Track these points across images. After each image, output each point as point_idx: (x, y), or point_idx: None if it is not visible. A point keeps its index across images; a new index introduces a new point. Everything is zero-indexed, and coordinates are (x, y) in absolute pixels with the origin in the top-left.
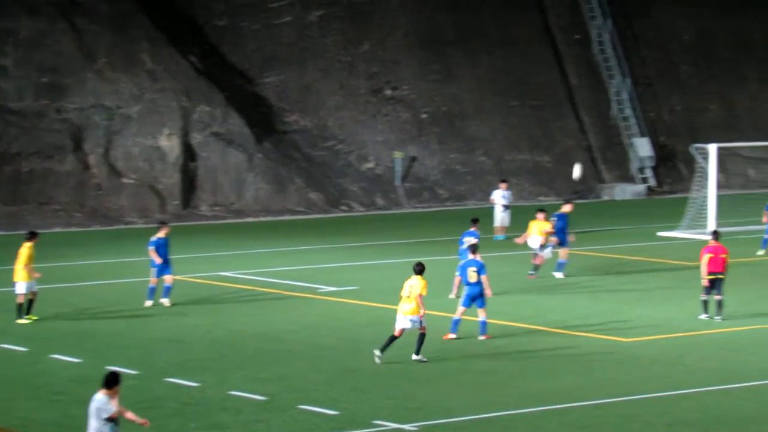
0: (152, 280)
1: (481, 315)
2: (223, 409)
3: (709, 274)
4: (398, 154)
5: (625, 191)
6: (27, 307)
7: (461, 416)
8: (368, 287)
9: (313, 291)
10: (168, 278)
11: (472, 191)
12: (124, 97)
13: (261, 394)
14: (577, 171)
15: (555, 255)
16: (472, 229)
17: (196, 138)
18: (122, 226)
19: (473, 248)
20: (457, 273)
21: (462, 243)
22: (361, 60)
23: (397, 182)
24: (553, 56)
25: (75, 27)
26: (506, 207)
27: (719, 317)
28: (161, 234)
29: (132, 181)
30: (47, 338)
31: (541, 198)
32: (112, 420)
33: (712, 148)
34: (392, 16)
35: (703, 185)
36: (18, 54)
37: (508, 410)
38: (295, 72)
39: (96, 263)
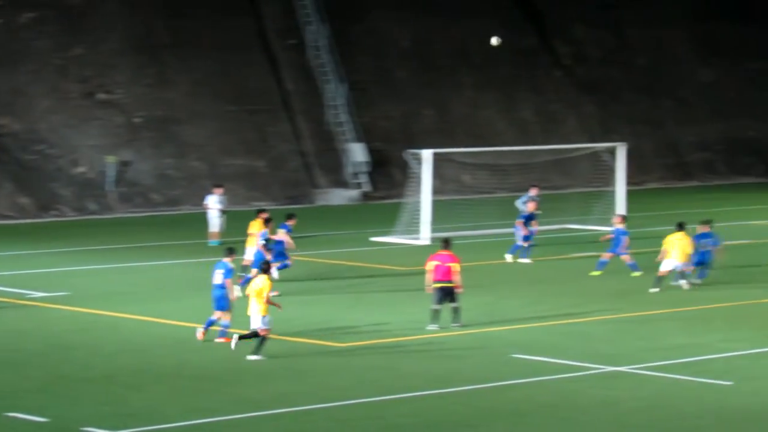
0: None
1: (223, 318)
2: None
3: (435, 282)
4: (110, 159)
5: (339, 196)
6: None
7: (174, 422)
8: (80, 293)
9: (23, 297)
10: None
11: (187, 196)
12: None
13: None
14: (494, 40)
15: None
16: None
17: None
18: None
19: (229, 252)
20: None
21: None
22: (74, 63)
23: (109, 187)
24: (268, 61)
25: None
26: (221, 212)
27: (456, 324)
28: None
29: None
30: None
31: (255, 203)
32: None
33: (427, 154)
34: (107, 19)
35: (418, 191)
36: None
37: (221, 416)
38: (5, 74)
39: None
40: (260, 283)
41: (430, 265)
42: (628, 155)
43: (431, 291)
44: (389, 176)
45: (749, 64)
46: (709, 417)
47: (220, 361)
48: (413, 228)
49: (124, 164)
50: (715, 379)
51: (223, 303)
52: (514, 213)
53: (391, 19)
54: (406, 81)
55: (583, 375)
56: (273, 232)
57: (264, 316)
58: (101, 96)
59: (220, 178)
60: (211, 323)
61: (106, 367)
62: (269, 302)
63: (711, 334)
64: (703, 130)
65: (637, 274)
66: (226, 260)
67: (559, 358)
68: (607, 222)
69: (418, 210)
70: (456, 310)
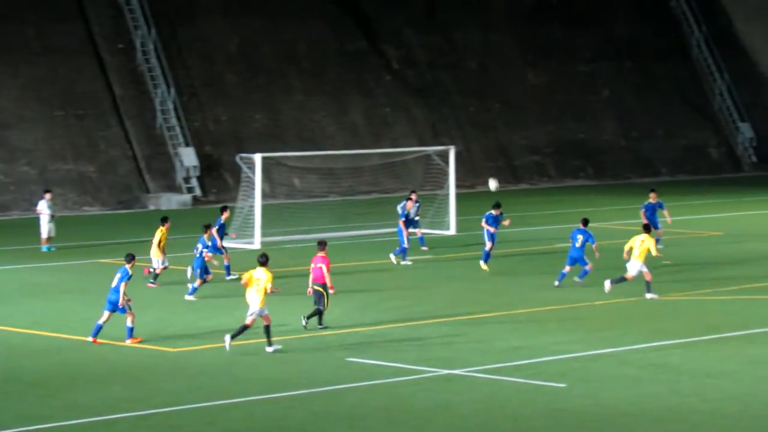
0: None
1: (129, 321)
2: None
3: (314, 284)
4: None
5: (170, 201)
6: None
7: (7, 429)
8: None
9: None
10: None
11: (16, 201)
12: None
13: None
14: (492, 184)
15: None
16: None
17: None
18: None
19: (130, 257)
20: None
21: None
22: None
23: None
24: (97, 65)
25: None
26: (52, 217)
27: (320, 326)
28: None
29: None
30: None
31: (86, 208)
32: None
33: (258, 158)
34: None
35: (249, 195)
36: None
37: (55, 422)
38: None
39: None
40: (261, 275)
41: (311, 267)
42: (458, 158)
43: (311, 292)
44: (220, 180)
45: (577, 67)
46: (542, 419)
47: (54, 366)
48: (245, 232)
49: None
50: (548, 381)
51: (116, 306)
52: (346, 217)
53: (219, 23)
54: (236, 85)
55: (418, 378)
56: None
57: (262, 308)
58: None
59: (50, 183)
60: (99, 328)
61: None
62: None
63: (544, 337)
64: (533, 133)
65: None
66: (127, 266)
67: (394, 362)
68: (440, 225)
69: (251, 214)
70: (319, 313)
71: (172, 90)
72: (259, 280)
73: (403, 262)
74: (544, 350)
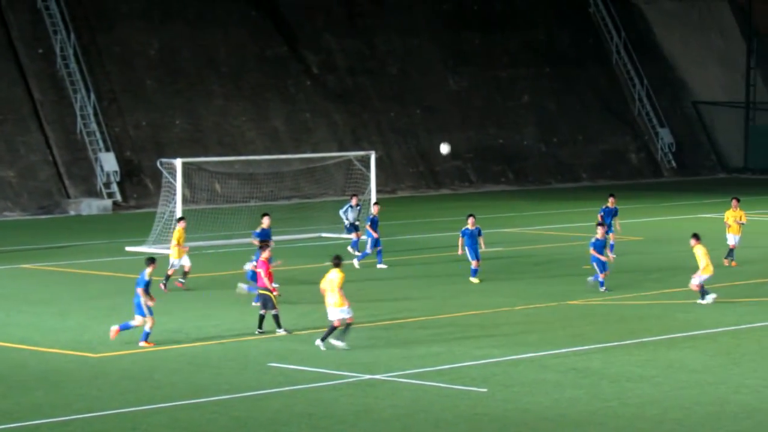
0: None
1: (145, 323)
2: None
3: (260, 288)
4: None
5: (91, 206)
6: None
7: None
8: None
9: None
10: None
11: None
12: None
13: None
14: (444, 149)
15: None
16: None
17: None
18: None
19: (150, 261)
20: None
21: None
22: None
23: None
24: (17, 70)
25: None
26: None
27: (279, 330)
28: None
29: None
30: None
31: (6, 213)
32: None
33: (178, 163)
34: None
35: (170, 200)
36: None
37: None
38: None
39: None
40: (334, 277)
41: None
42: (379, 164)
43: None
44: (141, 186)
45: (497, 73)
46: (464, 424)
47: None
48: (167, 237)
49: None
50: (470, 386)
51: (140, 309)
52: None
53: (138, 28)
54: (156, 90)
55: (340, 383)
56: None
57: (342, 307)
58: None
59: None
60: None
61: None
62: (343, 294)
63: (466, 342)
64: (453, 138)
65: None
66: (147, 270)
67: (316, 367)
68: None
69: (171, 219)
70: (274, 318)
71: (92, 95)
72: (332, 281)
73: (379, 266)
74: (465, 355)
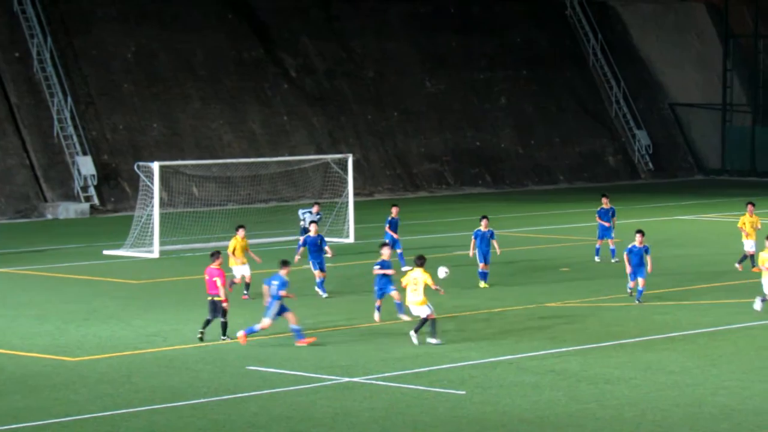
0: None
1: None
2: None
3: (208, 295)
4: None
5: (68, 210)
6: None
7: None
8: None
9: None
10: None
11: None
12: None
13: None
14: (442, 273)
15: None
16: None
17: None
18: None
19: (283, 264)
20: (264, 283)
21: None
22: None
23: None
24: None
25: None
26: None
27: (224, 338)
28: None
29: None
30: None
31: None
32: None
33: (155, 167)
34: None
35: (147, 203)
36: None
37: None
38: None
39: None
40: (419, 276)
41: (205, 278)
42: (357, 167)
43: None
44: (118, 189)
45: (474, 75)
46: (443, 426)
47: None
48: (145, 241)
49: None
50: (448, 388)
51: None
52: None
53: (115, 32)
54: (132, 93)
55: (318, 386)
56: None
57: (426, 305)
58: None
59: None
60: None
61: None
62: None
63: (443, 344)
64: (431, 141)
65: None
66: (281, 272)
67: (294, 370)
68: (337, 233)
69: (149, 223)
70: (222, 325)
71: (69, 98)
72: (417, 280)
73: None
74: (443, 358)
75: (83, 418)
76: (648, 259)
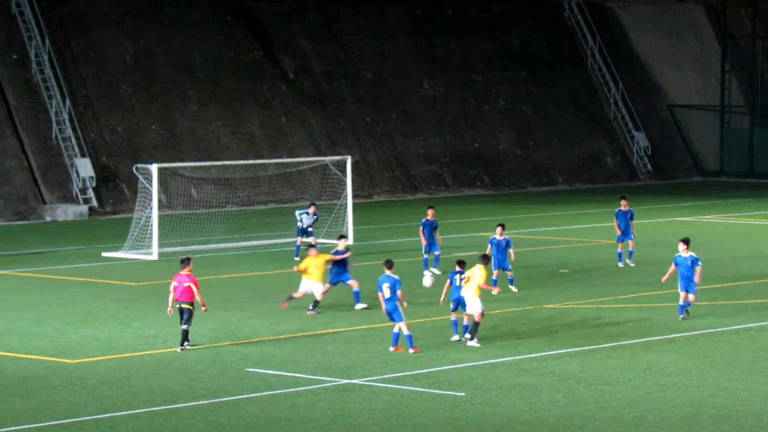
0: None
1: (404, 329)
2: None
3: (175, 302)
4: None
5: (67, 212)
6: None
7: None
8: None
9: None
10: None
11: None
12: None
13: None
14: (428, 281)
15: None
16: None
17: None
18: None
19: (389, 264)
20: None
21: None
22: None
23: None
24: None
25: None
26: None
27: (186, 345)
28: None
29: None
30: None
31: None
32: None
33: (154, 169)
34: None
35: (146, 205)
36: None
37: None
38: None
39: None
40: (479, 272)
41: (172, 285)
42: (355, 168)
43: (170, 312)
44: (117, 191)
45: (473, 77)
46: (442, 428)
47: None
48: (143, 243)
49: None
50: (447, 390)
51: (396, 315)
52: (243, 227)
53: (113, 33)
54: (131, 95)
55: (318, 388)
56: None
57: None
58: None
59: None
60: (396, 337)
61: None
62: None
63: (443, 346)
64: (429, 142)
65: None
66: (389, 272)
67: (293, 372)
68: (336, 235)
69: (148, 225)
70: (184, 333)
71: (67, 100)
72: (470, 277)
73: None
74: (442, 359)
75: (82, 420)
76: (697, 270)
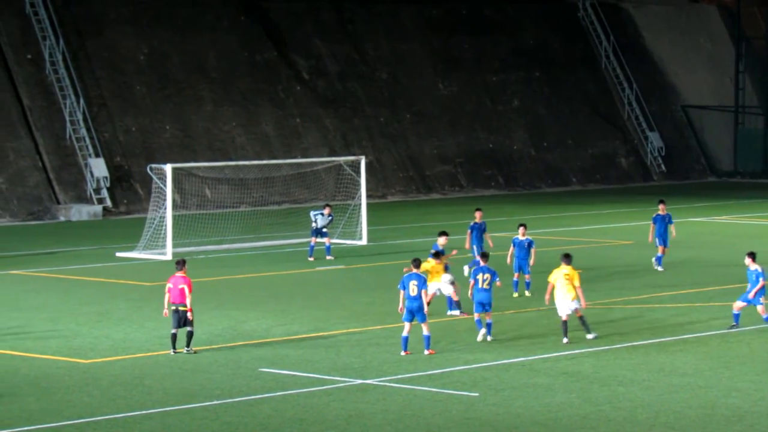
0: None
1: (424, 329)
2: None
3: (170, 305)
4: None
5: (81, 212)
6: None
7: None
8: None
9: None
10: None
11: None
12: None
13: None
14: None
15: None
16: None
17: None
18: None
19: (417, 263)
20: (400, 287)
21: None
22: None
23: None
24: (6, 76)
25: None
26: None
27: (189, 350)
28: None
29: None
30: None
31: None
32: None
33: (168, 169)
34: None
35: (160, 205)
36: None
37: None
38: None
39: None
40: (569, 272)
41: (167, 287)
42: (369, 169)
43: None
44: (131, 191)
45: (487, 77)
46: (456, 428)
47: None
48: (157, 243)
49: None
50: (461, 390)
51: (420, 315)
52: (257, 228)
53: (128, 33)
54: (145, 95)
55: (332, 388)
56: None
57: (574, 299)
58: None
59: None
60: (406, 341)
61: None
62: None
63: (456, 346)
64: (444, 143)
65: None
66: (416, 271)
67: (307, 372)
68: (350, 235)
69: (161, 225)
70: (189, 335)
71: (82, 100)
72: (567, 275)
73: None
74: (456, 360)
75: (96, 420)
76: (761, 281)
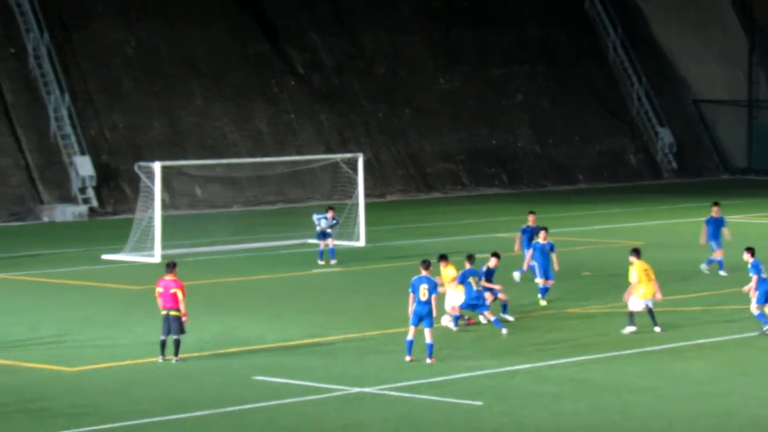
0: None
1: (428, 337)
2: None
3: (163, 309)
4: None
5: (65, 212)
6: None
7: None
8: None
9: None
10: None
11: None
12: None
13: None
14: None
15: None
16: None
17: None
18: None
19: (426, 265)
20: (411, 291)
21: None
22: None
23: None
24: None
25: None
26: None
27: (176, 358)
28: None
29: None
30: None
31: None
32: None
33: (157, 167)
34: None
35: (148, 205)
36: None
37: None
38: None
39: None
40: (647, 267)
41: (157, 291)
42: (367, 166)
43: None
44: (118, 190)
45: (490, 71)
46: None
47: None
48: (145, 245)
49: None
50: (464, 399)
51: (428, 320)
52: (250, 228)
53: (115, 26)
54: (133, 90)
55: (328, 397)
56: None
57: (648, 298)
58: None
59: None
60: (410, 345)
61: None
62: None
63: (459, 352)
64: (445, 140)
65: None
66: (426, 273)
67: (303, 380)
68: (348, 236)
69: (150, 226)
70: (176, 343)
71: (67, 96)
72: (647, 271)
73: None
74: (459, 367)
75: (82, 430)
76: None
